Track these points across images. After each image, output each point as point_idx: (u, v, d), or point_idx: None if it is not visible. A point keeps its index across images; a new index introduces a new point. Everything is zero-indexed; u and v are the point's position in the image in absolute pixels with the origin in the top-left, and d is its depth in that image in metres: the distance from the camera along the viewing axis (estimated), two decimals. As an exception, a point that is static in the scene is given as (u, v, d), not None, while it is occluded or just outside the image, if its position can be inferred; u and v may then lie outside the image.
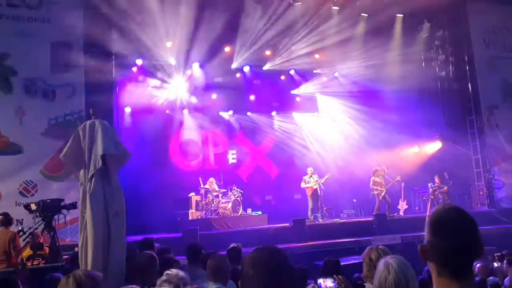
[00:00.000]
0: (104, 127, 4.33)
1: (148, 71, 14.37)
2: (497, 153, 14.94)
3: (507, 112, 15.27)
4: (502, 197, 14.75)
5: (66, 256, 7.54)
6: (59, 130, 10.41)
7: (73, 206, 7.30)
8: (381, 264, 2.72)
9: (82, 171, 4.40)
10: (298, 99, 17.14)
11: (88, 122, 4.39)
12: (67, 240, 9.85)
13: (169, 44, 13.66)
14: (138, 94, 14.04)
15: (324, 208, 13.65)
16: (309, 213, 13.42)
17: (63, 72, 10.69)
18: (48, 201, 7.36)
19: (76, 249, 5.48)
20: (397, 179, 14.08)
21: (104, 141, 4.22)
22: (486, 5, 15.36)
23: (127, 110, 14.16)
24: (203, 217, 13.21)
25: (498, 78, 15.41)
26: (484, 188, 14.93)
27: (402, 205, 14.69)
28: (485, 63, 15.41)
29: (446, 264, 1.74)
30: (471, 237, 1.74)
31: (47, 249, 7.28)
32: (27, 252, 7.23)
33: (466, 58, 15.50)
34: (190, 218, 13.23)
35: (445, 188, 14.28)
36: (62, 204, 7.35)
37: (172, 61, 14.30)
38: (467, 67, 15.46)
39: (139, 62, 13.96)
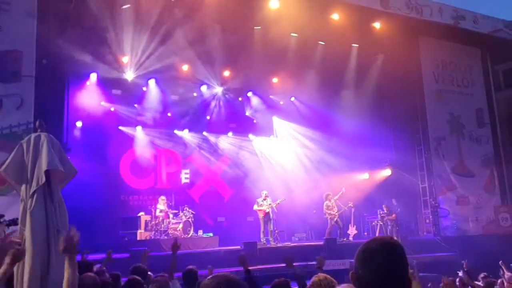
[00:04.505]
0: (50, 141, 4.13)
1: (103, 85, 14.04)
2: (443, 183, 15.49)
3: (453, 144, 15.94)
4: (447, 226, 15.24)
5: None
6: (4, 142, 9.88)
7: (14, 222, 6.89)
8: None
9: (23, 187, 4.18)
10: (254, 121, 17.25)
11: (33, 135, 4.18)
12: (5, 257, 9.29)
13: (125, 59, 13.44)
14: (91, 108, 13.69)
15: (276, 231, 13.63)
16: (261, 235, 13.36)
17: (11, 82, 10.22)
18: (-14, 216, 6.95)
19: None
20: (349, 205, 14.34)
21: (48, 155, 4.02)
22: (436, 41, 16.15)
23: (79, 124, 13.76)
24: (152, 237, 12.89)
25: (445, 111, 16.10)
26: (430, 216, 15.39)
27: (352, 230, 14.90)
28: (433, 96, 16.07)
29: None
30: (395, 272, 1.78)
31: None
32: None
33: (416, 90, 16.11)
34: (138, 238, 12.86)
35: (393, 215, 14.63)
36: (2, 220, 6.94)
37: (128, 76, 14.05)
38: (417, 99, 16.06)
39: (93, 75, 13.64)
